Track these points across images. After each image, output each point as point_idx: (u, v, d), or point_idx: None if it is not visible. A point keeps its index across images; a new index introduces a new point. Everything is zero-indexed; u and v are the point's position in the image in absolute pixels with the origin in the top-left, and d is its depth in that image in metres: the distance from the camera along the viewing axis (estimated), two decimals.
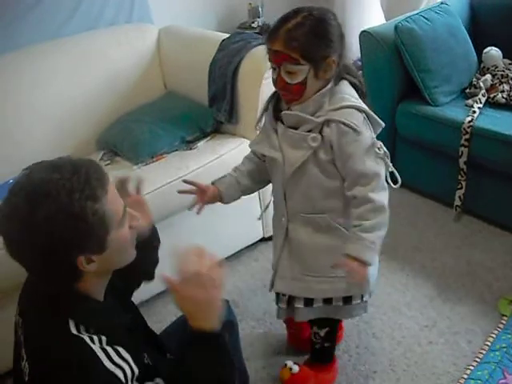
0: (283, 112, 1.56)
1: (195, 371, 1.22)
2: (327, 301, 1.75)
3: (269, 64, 1.53)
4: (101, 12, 2.86)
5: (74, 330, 1.15)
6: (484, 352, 2.05)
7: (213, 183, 1.72)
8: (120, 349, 1.17)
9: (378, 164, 1.51)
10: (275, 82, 1.51)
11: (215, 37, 2.62)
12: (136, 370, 1.18)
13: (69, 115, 2.55)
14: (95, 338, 1.15)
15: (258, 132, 1.73)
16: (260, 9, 3.73)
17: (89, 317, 1.18)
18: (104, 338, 1.16)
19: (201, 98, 2.56)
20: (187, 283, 1.21)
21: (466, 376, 1.96)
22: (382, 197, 1.53)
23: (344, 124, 1.46)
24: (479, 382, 1.93)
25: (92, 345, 1.13)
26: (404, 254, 2.59)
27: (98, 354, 1.13)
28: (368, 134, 1.50)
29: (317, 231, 1.63)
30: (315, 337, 1.91)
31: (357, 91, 1.57)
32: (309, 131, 1.51)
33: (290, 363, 1.95)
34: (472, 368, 1.99)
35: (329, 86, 1.51)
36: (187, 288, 1.21)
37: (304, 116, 1.51)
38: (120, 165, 2.36)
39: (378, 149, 1.51)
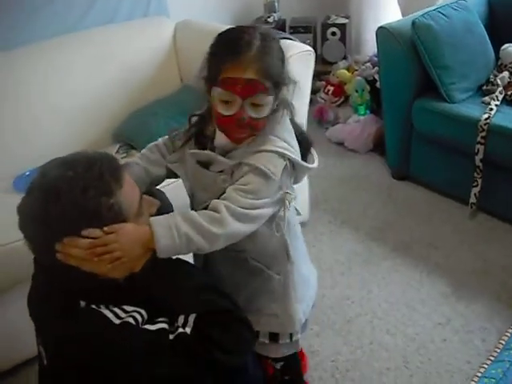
0: (191, 151, 1.37)
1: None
2: None
3: None
4: (118, 6, 2.87)
5: (82, 305, 1.20)
6: (498, 350, 2.04)
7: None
8: (125, 306, 1.21)
9: (264, 207, 1.28)
10: (237, 119, 1.24)
11: None
12: (145, 315, 1.22)
13: (85, 108, 2.55)
14: (102, 306, 1.20)
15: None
16: (276, 4, 3.74)
17: (100, 298, 1.21)
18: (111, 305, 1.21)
19: None
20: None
21: (479, 374, 1.95)
22: (235, 225, 1.24)
23: (257, 168, 1.26)
24: (493, 380, 1.92)
25: (99, 309, 1.19)
26: (419, 251, 2.58)
27: (107, 314, 1.18)
28: (276, 186, 1.29)
29: (236, 268, 1.47)
30: (274, 369, 1.78)
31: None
32: (221, 170, 1.32)
33: None
34: (486, 366, 1.98)
35: None
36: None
37: (215, 157, 1.32)
38: None
39: (289, 202, 1.33)
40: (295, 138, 1.36)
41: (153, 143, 1.54)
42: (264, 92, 1.23)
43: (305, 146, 1.43)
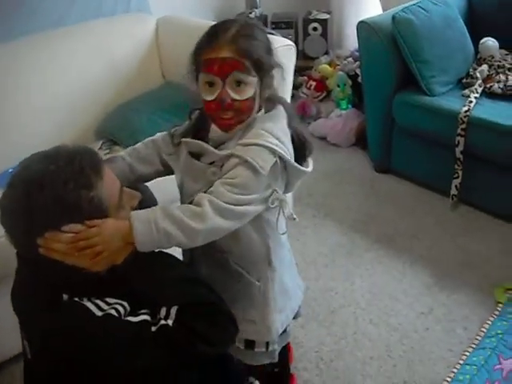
0: (183, 140, 1.38)
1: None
2: None
3: None
4: (99, 2, 2.87)
5: (65, 299, 1.21)
6: (480, 338, 2.07)
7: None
8: (107, 298, 1.22)
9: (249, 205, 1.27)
10: (220, 101, 1.26)
11: None
12: (127, 307, 1.22)
13: (68, 105, 2.54)
14: (85, 298, 1.20)
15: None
16: None
17: (83, 291, 1.22)
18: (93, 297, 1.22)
19: None
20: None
21: (461, 362, 1.99)
22: (217, 221, 1.23)
23: (247, 162, 1.24)
24: (474, 367, 1.96)
25: (82, 302, 1.19)
26: (402, 243, 2.61)
27: (89, 306, 1.18)
28: (264, 183, 1.29)
29: (217, 270, 1.47)
30: None
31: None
32: (212, 162, 1.33)
33: (252, 378, 1.85)
34: (468, 354, 2.02)
35: (255, 116, 1.33)
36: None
37: (206, 148, 1.33)
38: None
39: (273, 201, 1.31)
40: (290, 141, 1.35)
41: (150, 138, 1.53)
42: (241, 70, 1.24)
43: (302, 152, 1.41)
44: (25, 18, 2.58)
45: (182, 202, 1.42)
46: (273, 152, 1.27)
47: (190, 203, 1.28)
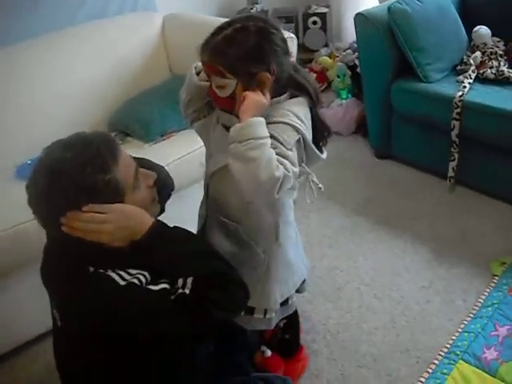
0: (218, 111, 1.53)
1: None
2: None
3: None
4: (107, 2, 2.99)
5: (91, 270, 1.32)
6: (477, 308, 2.19)
7: None
8: (129, 270, 1.34)
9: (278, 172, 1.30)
10: (209, 93, 1.46)
11: (217, 22, 2.69)
12: (148, 277, 1.35)
13: (81, 100, 2.67)
14: (109, 270, 1.33)
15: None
16: None
17: (107, 263, 1.34)
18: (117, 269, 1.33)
19: None
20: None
21: (460, 329, 2.11)
22: (264, 173, 1.26)
23: (272, 137, 1.32)
24: (472, 334, 2.07)
25: (106, 273, 1.31)
26: (403, 224, 2.73)
27: (113, 276, 1.31)
28: (292, 157, 1.35)
29: (227, 238, 1.60)
30: (276, 327, 1.87)
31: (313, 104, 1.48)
32: None
33: (264, 347, 1.99)
34: (466, 322, 2.13)
35: (279, 98, 1.44)
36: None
37: (236, 121, 1.38)
38: (131, 144, 2.50)
39: (301, 173, 1.46)
40: (310, 126, 1.45)
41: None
42: (217, 74, 1.38)
43: (319, 140, 1.52)
44: (34, 20, 2.68)
45: (207, 172, 1.57)
46: (296, 130, 1.38)
47: (213, 174, 1.48)
